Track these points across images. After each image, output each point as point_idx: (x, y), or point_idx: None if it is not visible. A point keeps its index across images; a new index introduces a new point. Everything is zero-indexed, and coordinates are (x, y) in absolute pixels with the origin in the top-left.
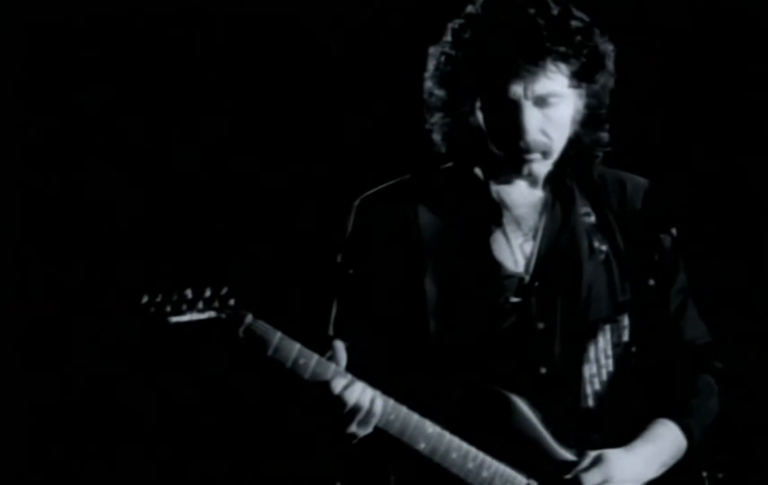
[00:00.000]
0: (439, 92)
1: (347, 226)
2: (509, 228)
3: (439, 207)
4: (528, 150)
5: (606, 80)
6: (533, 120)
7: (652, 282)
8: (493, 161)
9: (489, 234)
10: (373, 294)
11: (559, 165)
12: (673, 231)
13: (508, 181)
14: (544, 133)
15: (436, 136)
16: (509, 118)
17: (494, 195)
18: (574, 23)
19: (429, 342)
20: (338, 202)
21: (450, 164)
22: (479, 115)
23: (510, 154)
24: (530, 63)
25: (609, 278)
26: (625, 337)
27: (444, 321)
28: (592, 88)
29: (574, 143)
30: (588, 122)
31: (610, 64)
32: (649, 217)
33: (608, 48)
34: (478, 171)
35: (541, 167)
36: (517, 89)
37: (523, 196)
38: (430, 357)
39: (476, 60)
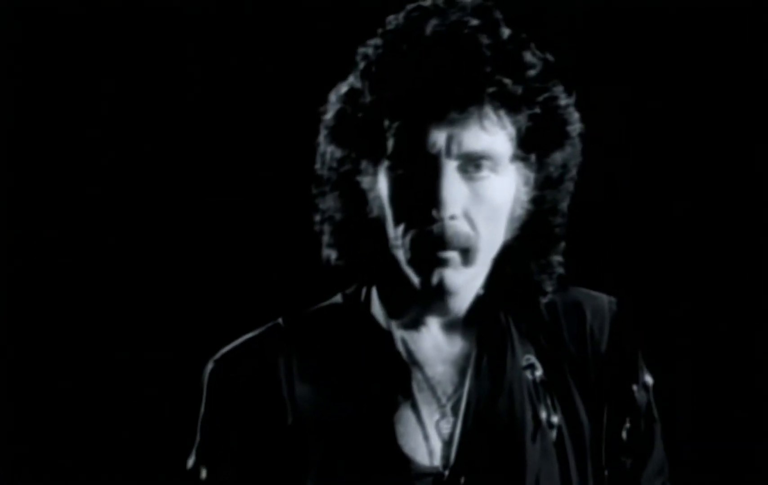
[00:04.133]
0: (335, 151)
1: (200, 405)
2: (421, 398)
3: (324, 370)
4: (442, 242)
5: (567, 162)
6: (455, 191)
7: (625, 461)
8: (396, 284)
9: (393, 410)
10: None
11: (489, 293)
12: (648, 378)
13: (416, 324)
14: (468, 217)
15: (326, 235)
16: (421, 183)
17: (399, 346)
18: (529, 56)
19: None
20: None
21: (338, 297)
22: (382, 185)
23: (416, 248)
24: (462, 98)
25: (563, 466)
26: None
27: None
28: (545, 171)
29: (509, 261)
30: (533, 230)
31: (575, 137)
32: (619, 358)
33: (575, 114)
34: (376, 308)
35: (456, 277)
36: (438, 138)
37: (438, 348)
38: None
39: (387, 90)
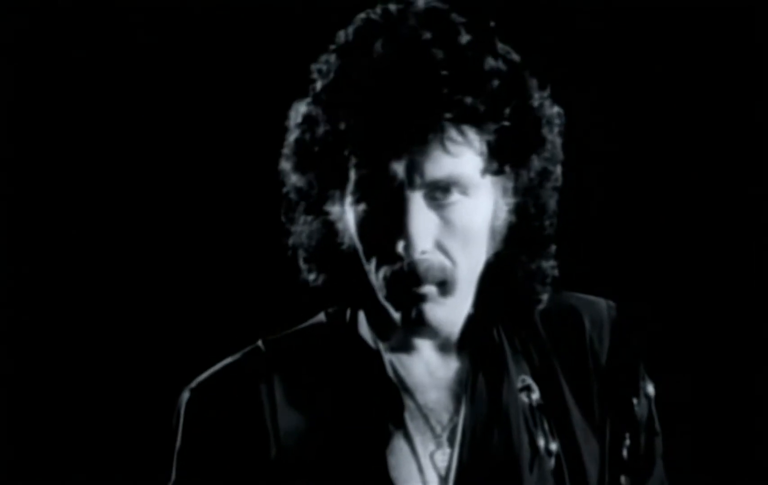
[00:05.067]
0: (298, 179)
1: (176, 436)
2: (414, 427)
3: (309, 397)
4: (416, 278)
5: (547, 165)
6: (424, 224)
7: (626, 482)
8: (379, 310)
9: (385, 442)
10: None
11: (480, 312)
12: (650, 388)
13: (406, 347)
14: (442, 248)
15: (301, 260)
16: (387, 218)
17: (389, 371)
18: (491, 62)
19: None
20: None
21: (320, 316)
22: (349, 217)
23: (390, 286)
24: (418, 127)
25: None
26: None
27: None
28: (523, 179)
29: (498, 274)
30: (519, 239)
31: (553, 137)
32: (620, 369)
33: (551, 109)
34: (364, 329)
35: (437, 311)
36: (398, 169)
37: (431, 373)
38: None
39: (339, 120)
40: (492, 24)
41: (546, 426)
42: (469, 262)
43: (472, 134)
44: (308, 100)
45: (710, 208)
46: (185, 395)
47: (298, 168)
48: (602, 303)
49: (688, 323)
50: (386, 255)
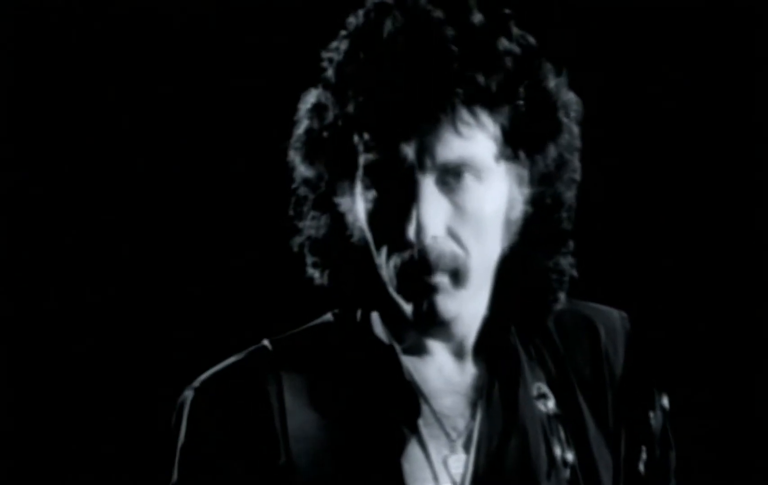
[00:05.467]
0: (307, 171)
1: (178, 435)
2: (427, 432)
3: (319, 400)
4: (428, 267)
5: (564, 153)
6: (435, 209)
7: None
8: (390, 309)
9: (401, 448)
10: None
11: (496, 315)
12: (665, 401)
13: (420, 351)
14: (454, 234)
15: (308, 257)
16: (397, 204)
17: (405, 375)
18: (505, 42)
19: None
20: None
21: (329, 316)
22: (359, 207)
23: (401, 276)
24: (428, 105)
25: None
26: None
27: None
28: (539, 167)
29: (513, 271)
30: (534, 232)
31: (569, 124)
32: (635, 381)
33: (567, 96)
34: (379, 329)
35: (449, 303)
36: (408, 152)
37: (445, 378)
38: None
39: (349, 104)
40: (507, 11)
41: (562, 435)
42: (482, 252)
43: (484, 117)
44: (318, 87)
45: (712, 210)
46: (188, 394)
47: (308, 157)
48: (615, 313)
49: (692, 333)
50: (397, 242)
